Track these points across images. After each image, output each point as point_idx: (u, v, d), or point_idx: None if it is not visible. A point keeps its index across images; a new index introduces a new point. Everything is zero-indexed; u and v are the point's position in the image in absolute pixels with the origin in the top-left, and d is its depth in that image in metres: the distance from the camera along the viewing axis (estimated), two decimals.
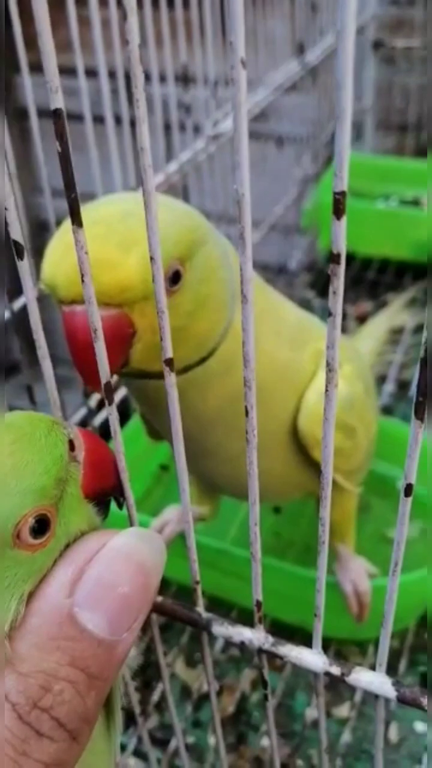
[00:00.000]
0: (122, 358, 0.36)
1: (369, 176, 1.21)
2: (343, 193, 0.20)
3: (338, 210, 0.20)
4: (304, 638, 0.58)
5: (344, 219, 0.20)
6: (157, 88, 0.61)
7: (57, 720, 0.20)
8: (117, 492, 0.30)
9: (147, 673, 0.61)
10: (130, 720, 0.59)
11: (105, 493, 0.29)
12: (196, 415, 0.42)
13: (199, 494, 0.59)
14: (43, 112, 0.52)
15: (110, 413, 0.27)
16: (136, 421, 0.72)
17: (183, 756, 0.43)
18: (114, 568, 0.23)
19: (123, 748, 0.56)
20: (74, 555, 0.23)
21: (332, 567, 0.57)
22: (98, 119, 0.54)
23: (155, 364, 0.37)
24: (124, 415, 0.72)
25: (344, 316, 1.07)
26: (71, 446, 0.27)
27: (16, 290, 0.51)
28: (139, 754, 0.56)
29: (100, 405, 0.64)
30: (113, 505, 0.31)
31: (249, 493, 0.27)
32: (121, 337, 0.35)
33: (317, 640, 0.31)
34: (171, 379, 0.26)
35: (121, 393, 0.70)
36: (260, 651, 0.32)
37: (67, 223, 0.36)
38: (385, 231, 1.12)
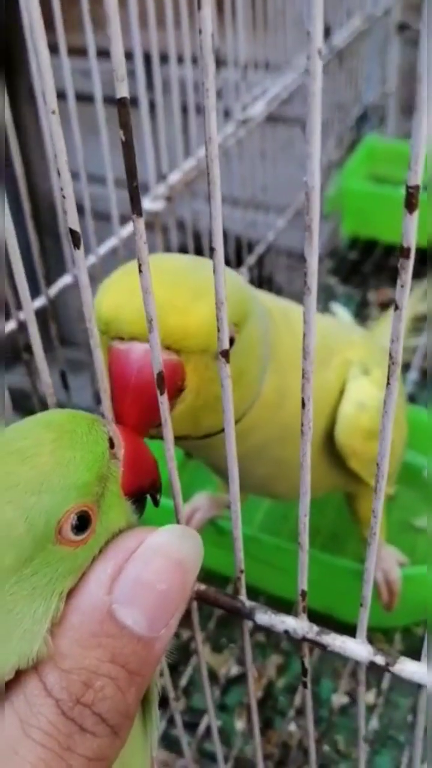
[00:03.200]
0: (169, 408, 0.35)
1: (392, 161, 1.20)
2: (416, 187, 0.19)
3: (410, 204, 0.20)
4: (331, 625, 0.59)
5: (416, 213, 0.20)
6: (190, 71, 0.60)
7: (99, 715, 0.21)
8: (155, 489, 0.30)
9: (173, 658, 0.62)
10: (158, 703, 0.59)
11: (143, 491, 0.29)
12: (218, 459, 0.42)
13: (225, 484, 0.59)
14: (59, 94, 0.52)
15: (164, 425, 0.27)
16: None
17: (215, 736, 0.44)
18: (152, 565, 0.23)
19: None
20: (113, 552, 0.24)
21: (361, 555, 0.57)
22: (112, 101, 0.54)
23: (187, 430, 0.36)
24: None
25: (366, 303, 1.06)
26: (111, 444, 0.27)
27: (51, 278, 0.51)
28: (167, 737, 0.56)
29: None
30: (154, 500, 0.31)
31: (301, 484, 0.28)
32: (172, 387, 0.33)
33: (362, 630, 0.31)
34: (226, 370, 0.26)
35: None
36: (304, 640, 0.32)
37: (129, 267, 0.35)
38: None
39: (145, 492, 0.29)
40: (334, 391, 0.46)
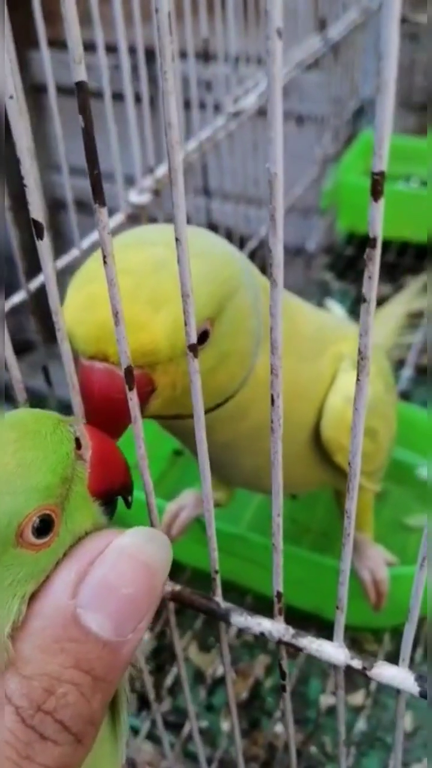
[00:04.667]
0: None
1: (389, 156, 1.19)
2: (381, 174, 0.19)
3: (376, 191, 0.19)
4: (319, 625, 0.58)
5: (382, 201, 0.19)
6: (178, 64, 0.59)
7: (61, 723, 0.20)
8: (125, 491, 0.29)
9: (160, 657, 0.61)
10: (143, 704, 0.59)
11: (113, 492, 0.28)
12: (211, 443, 0.41)
13: (215, 481, 0.58)
14: (62, 89, 0.51)
15: (133, 422, 0.26)
16: None
17: (197, 740, 0.43)
18: (118, 568, 0.22)
19: (136, 731, 0.56)
20: (78, 555, 0.23)
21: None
22: (117, 96, 0.53)
23: (172, 411, 0.36)
24: None
25: (362, 299, 1.05)
26: (77, 444, 0.26)
27: (33, 270, 0.50)
28: (152, 737, 0.56)
29: None
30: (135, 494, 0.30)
31: (272, 483, 0.27)
32: (141, 394, 0.32)
33: (339, 633, 0.31)
34: (195, 365, 0.25)
35: None
36: (280, 642, 0.32)
37: (92, 269, 0.34)
38: (405, 213, 1.09)
39: (114, 493, 0.29)
40: (326, 383, 0.45)
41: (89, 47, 0.52)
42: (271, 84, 0.18)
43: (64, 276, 0.50)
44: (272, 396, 0.24)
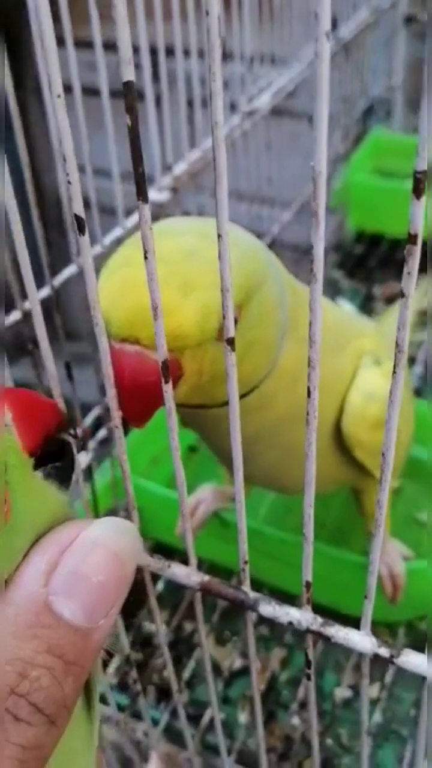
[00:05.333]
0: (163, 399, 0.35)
1: (398, 155, 1.20)
2: (424, 173, 0.19)
3: (418, 189, 0.19)
4: (334, 619, 0.59)
5: (423, 199, 0.20)
6: (195, 64, 0.60)
7: (35, 705, 0.21)
8: (63, 429, 0.28)
9: (178, 650, 0.62)
10: (161, 696, 0.59)
11: (52, 438, 0.27)
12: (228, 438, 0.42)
13: (231, 476, 0.59)
14: (66, 87, 0.51)
15: (168, 414, 0.27)
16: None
17: (218, 729, 0.43)
18: (89, 557, 0.23)
19: (156, 723, 0.56)
20: (48, 545, 0.23)
21: (366, 549, 0.57)
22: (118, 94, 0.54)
23: (197, 400, 0.37)
24: None
25: (372, 298, 1.06)
26: None
27: (54, 265, 0.51)
28: (170, 729, 0.56)
29: None
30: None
31: (305, 474, 0.27)
32: (172, 381, 0.34)
33: (366, 622, 0.31)
34: (232, 359, 0.26)
35: None
36: (308, 631, 0.32)
37: (125, 255, 0.35)
38: None
39: (54, 438, 0.27)
40: (347, 379, 0.45)
41: (110, 47, 0.53)
42: (320, 84, 0.19)
43: (81, 278, 0.51)
44: (309, 388, 0.25)
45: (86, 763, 0.26)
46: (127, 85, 0.22)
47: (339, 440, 0.45)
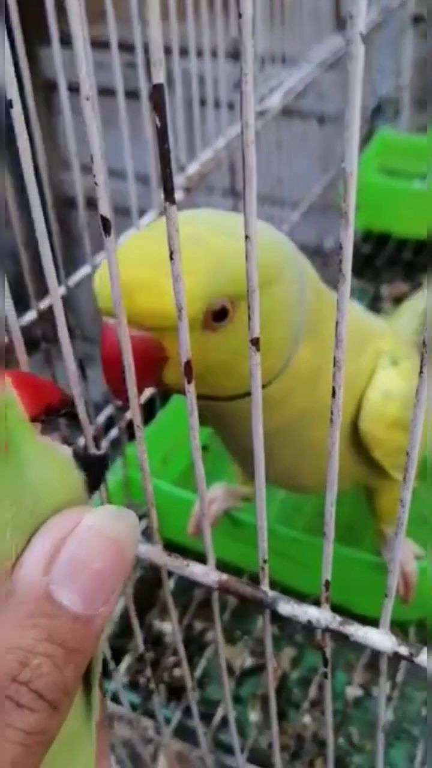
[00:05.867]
0: (149, 379, 0.36)
1: (406, 155, 1.20)
2: None
3: None
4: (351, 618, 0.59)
5: None
6: (209, 64, 0.60)
7: (36, 692, 0.21)
8: (66, 405, 0.28)
9: (188, 649, 0.62)
10: (172, 695, 0.60)
11: (53, 411, 0.27)
12: (244, 434, 0.42)
13: (244, 475, 0.59)
14: (73, 87, 0.51)
15: (189, 413, 0.27)
16: (178, 402, 0.72)
17: (232, 726, 0.44)
18: (88, 545, 0.23)
19: (168, 721, 0.56)
20: (48, 533, 0.24)
21: (378, 548, 0.57)
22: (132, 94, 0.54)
23: (198, 390, 0.37)
24: (151, 413, 0.72)
25: (379, 298, 1.06)
26: None
27: (70, 268, 0.51)
28: (181, 728, 0.56)
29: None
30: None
31: (328, 473, 0.28)
32: (148, 361, 0.34)
33: (386, 621, 0.31)
34: (257, 359, 0.26)
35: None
36: (326, 630, 0.32)
37: (133, 237, 0.36)
38: (422, 211, 1.10)
39: (55, 412, 0.28)
40: (366, 379, 0.46)
41: (123, 47, 0.53)
42: (352, 85, 0.19)
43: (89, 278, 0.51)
44: (333, 388, 0.25)
45: (87, 746, 0.26)
46: (157, 87, 0.22)
47: (355, 439, 0.45)
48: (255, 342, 0.25)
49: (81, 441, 0.57)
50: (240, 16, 0.20)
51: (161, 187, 0.60)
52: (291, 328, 0.38)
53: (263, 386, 0.39)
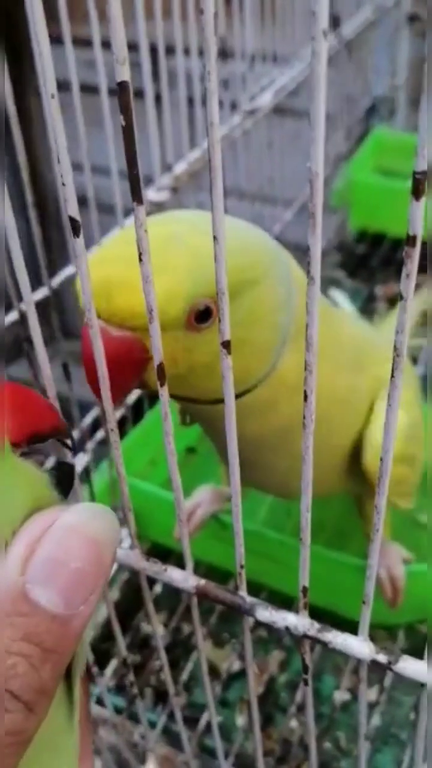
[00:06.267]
0: (131, 381, 0.35)
1: (401, 154, 1.19)
2: (424, 173, 0.19)
3: (417, 190, 0.19)
4: (332, 622, 0.58)
5: (423, 200, 0.19)
6: (196, 62, 0.60)
7: (11, 692, 0.21)
8: (58, 433, 0.28)
9: (175, 653, 0.62)
10: (158, 698, 0.59)
11: (41, 435, 0.27)
12: (239, 438, 0.42)
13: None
14: (61, 85, 0.51)
15: (163, 418, 0.27)
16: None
17: (215, 731, 0.43)
18: (65, 544, 0.23)
19: (153, 725, 0.56)
20: (25, 533, 0.23)
21: (366, 551, 0.57)
22: (136, 94, 0.53)
23: (177, 391, 0.36)
24: (139, 414, 0.71)
25: (373, 298, 1.06)
26: None
27: (55, 265, 0.51)
28: (167, 732, 0.56)
29: None
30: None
31: (302, 478, 0.27)
32: (129, 362, 0.34)
33: (364, 628, 0.31)
34: (228, 362, 0.25)
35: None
36: (305, 637, 0.32)
37: (117, 236, 0.35)
38: None
39: (45, 436, 0.27)
40: (364, 399, 0.45)
41: (109, 45, 0.52)
42: (317, 83, 0.19)
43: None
44: (305, 392, 0.24)
45: (69, 746, 0.26)
46: (122, 85, 0.21)
47: (352, 456, 0.45)
48: (226, 345, 0.25)
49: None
50: (201, 12, 0.19)
51: (146, 185, 0.59)
52: (277, 330, 0.38)
53: (248, 390, 0.39)
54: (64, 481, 0.27)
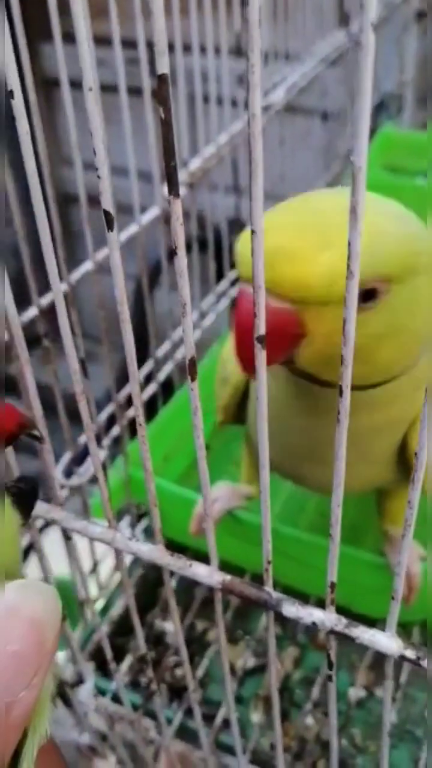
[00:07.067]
0: (282, 354, 0.34)
1: (409, 152, 1.19)
2: None
3: None
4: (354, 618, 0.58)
5: None
6: (212, 60, 0.60)
7: None
8: (23, 429, 0.28)
9: (190, 649, 0.62)
10: (173, 695, 0.59)
11: (10, 436, 0.27)
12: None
13: (250, 473, 0.58)
14: (74, 83, 0.51)
15: (193, 413, 0.27)
16: (181, 398, 0.72)
17: (234, 727, 0.43)
18: (2, 625, 0.21)
19: (168, 722, 0.56)
20: None
21: (382, 548, 0.57)
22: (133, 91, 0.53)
23: (323, 372, 0.36)
24: (153, 410, 0.71)
25: None
26: None
27: (71, 266, 0.51)
28: (182, 730, 0.56)
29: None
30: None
31: (334, 474, 0.27)
32: (284, 335, 0.33)
33: (392, 623, 0.31)
34: (262, 357, 0.25)
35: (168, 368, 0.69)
36: (331, 632, 0.32)
37: (288, 203, 0.35)
38: (424, 208, 1.09)
39: (11, 436, 0.27)
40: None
41: (126, 44, 0.52)
42: (362, 80, 0.19)
43: (96, 275, 0.50)
44: (341, 387, 0.24)
45: None
46: (162, 77, 0.21)
47: (403, 449, 0.44)
48: (261, 340, 0.25)
49: (82, 439, 0.57)
50: (245, 4, 0.19)
51: (164, 182, 0.60)
52: (428, 325, 0.36)
53: (384, 382, 0.38)
54: (26, 499, 0.26)
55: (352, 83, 1.01)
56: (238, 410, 0.51)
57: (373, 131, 1.21)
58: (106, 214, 0.25)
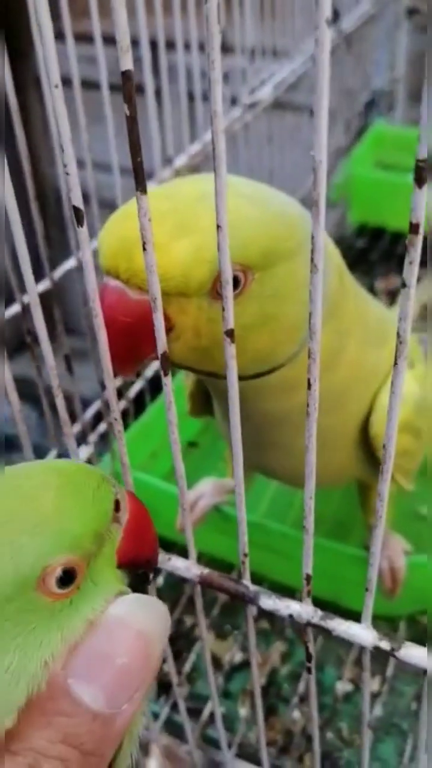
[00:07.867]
0: (148, 350, 0.33)
1: (400, 148, 1.19)
2: (425, 161, 0.19)
3: (420, 178, 0.19)
4: (334, 613, 0.59)
5: (425, 187, 0.19)
6: (196, 58, 0.60)
7: None
8: (149, 565, 0.30)
9: (177, 645, 0.62)
10: (161, 689, 0.59)
11: (138, 565, 0.28)
12: (257, 416, 0.41)
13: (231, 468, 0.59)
14: (65, 80, 0.51)
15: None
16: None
17: (218, 722, 0.43)
18: (112, 637, 0.22)
19: (155, 716, 0.56)
20: None
21: (366, 543, 0.57)
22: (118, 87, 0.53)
23: (198, 365, 0.35)
24: (141, 406, 0.71)
25: (373, 292, 1.06)
26: (116, 507, 0.26)
27: (54, 261, 0.51)
28: (170, 723, 0.56)
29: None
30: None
31: (306, 466, 0.27)
32: (147, 329, 0.32)
33: (367, 615, 0.31)
34: (231, 350, 0.25)
35: (152, 369, 0.69)
36: (308, 624, 0.32)
37: (150, 190, 0.35)
38: None
39: (139, 567, 0.29)
40: (381, 375, 0.44)
41: (109, 40, 0.52)
42: (320, 72, 0.19)
43: (80, 272, 0.51)
44: (309, 380, 0.24)
45: None
46: (126, 74, 0.21)
47: (365, 437, 0.45)
48: (229, 333, 0.25)
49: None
50: (205, 0, 0.19)
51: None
52: (308, 310, 0.37)
53: (274, 369, 0.38)
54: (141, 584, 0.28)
55: (341, 79, 1.02)
56: (207, 401, 0.50)
57: (364, 128, 1.22)
58: (76, 210, 0.25)
